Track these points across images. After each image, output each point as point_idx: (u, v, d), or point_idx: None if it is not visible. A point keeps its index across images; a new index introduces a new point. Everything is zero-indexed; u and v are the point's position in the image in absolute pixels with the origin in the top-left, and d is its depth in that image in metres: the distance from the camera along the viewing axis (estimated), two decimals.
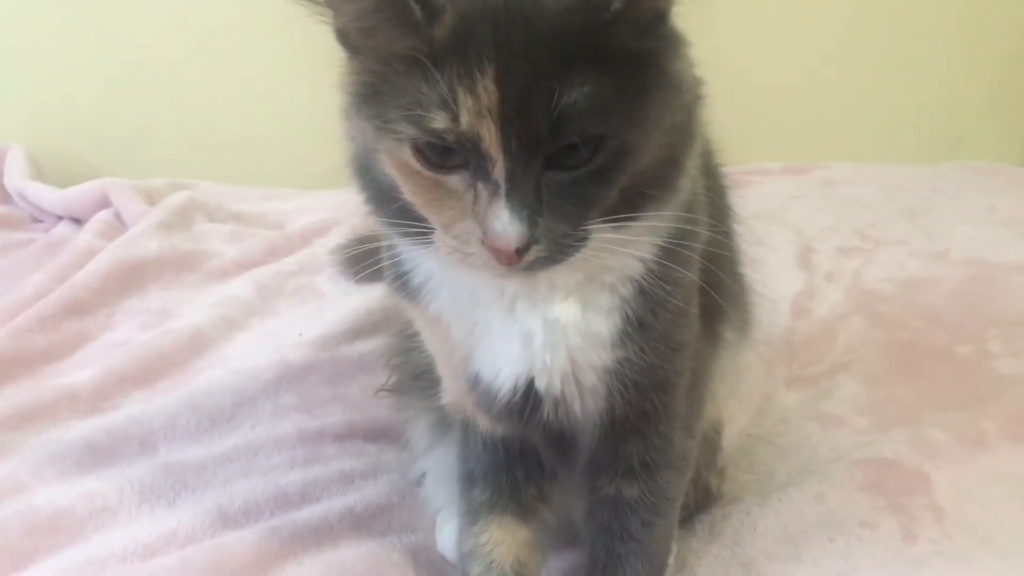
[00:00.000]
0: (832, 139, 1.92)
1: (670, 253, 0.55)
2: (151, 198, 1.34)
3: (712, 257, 0.60)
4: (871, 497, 0.74)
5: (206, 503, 0.74)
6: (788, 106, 1.81)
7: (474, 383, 0.60)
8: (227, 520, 0.72)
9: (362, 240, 0.90)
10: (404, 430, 0.76)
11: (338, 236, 1.23)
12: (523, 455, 0.65)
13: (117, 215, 1.30)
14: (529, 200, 0.47)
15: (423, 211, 0.50)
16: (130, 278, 1.11)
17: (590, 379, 0.58)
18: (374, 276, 0.80)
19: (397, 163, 0.49)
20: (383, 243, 0.62)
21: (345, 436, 0.84)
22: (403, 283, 0.59)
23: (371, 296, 1.05)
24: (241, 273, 1.16)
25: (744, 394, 0.96)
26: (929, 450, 0.79)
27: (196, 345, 0.98)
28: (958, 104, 2.08)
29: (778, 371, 0.96)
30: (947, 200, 1.53)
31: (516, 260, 0.48)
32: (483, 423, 0.63)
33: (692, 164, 0.54)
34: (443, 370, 0.63)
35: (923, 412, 0.85)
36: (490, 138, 0.46)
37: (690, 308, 0.59)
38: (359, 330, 1.01)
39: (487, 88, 0.45)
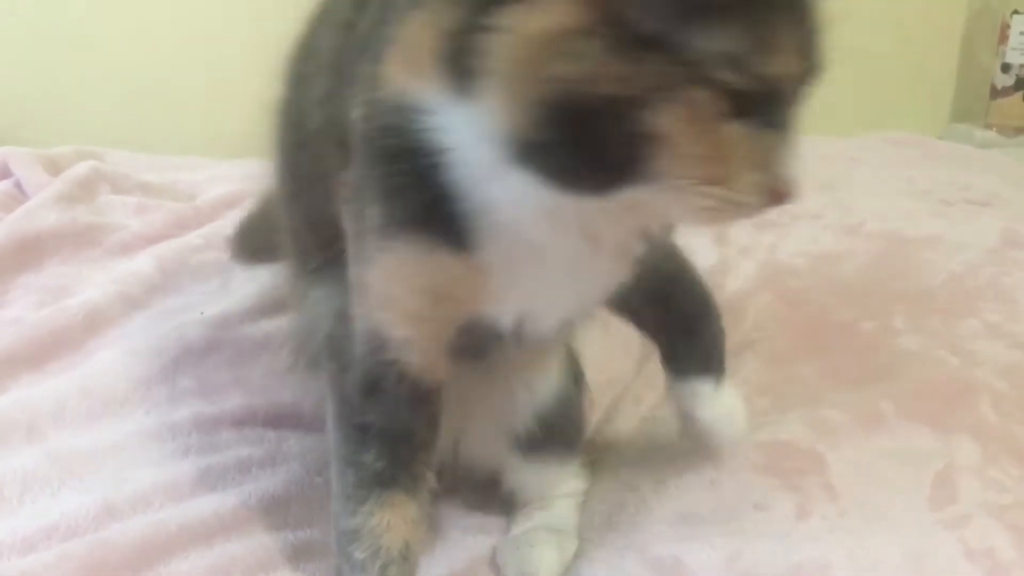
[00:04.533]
0: None
1: None
2: (55, 167, 1.29)
3: None
4: (766, 478, 0.75)
5: (92, 494, 0.71)
6: None
7: (471, 327, 0.56)
8: (113, 512, 0.69)
9: (264, 217, 0.88)
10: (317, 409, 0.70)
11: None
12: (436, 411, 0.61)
13: (18, 185, 1.25)
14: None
15: (697, 163, 0.46)
16: (26, 253, 1.07)
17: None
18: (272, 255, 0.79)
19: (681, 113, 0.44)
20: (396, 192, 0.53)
21: (244, 421, 0.82)
22: (445, 231, 0.51)
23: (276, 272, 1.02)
24: (145, 247, 1.12)
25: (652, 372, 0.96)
26: (825, 430, 0.80)
27: (92, 324, 0.95)
28: (880, 76, 2.10)
29: None
30: (866, 172, 1.55)
31: (790, 199, 0.49)
32: (436, 372, 0.58)
33: None
34: (409, 318, 0.56)
35: (823, 391, 0.86)
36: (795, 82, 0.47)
37: None
38: (263, 308, 0.99)
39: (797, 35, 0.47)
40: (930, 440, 0.79)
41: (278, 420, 0.83)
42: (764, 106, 0.47)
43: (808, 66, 0.47)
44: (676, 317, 0.69)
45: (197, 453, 0.78)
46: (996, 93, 2.20)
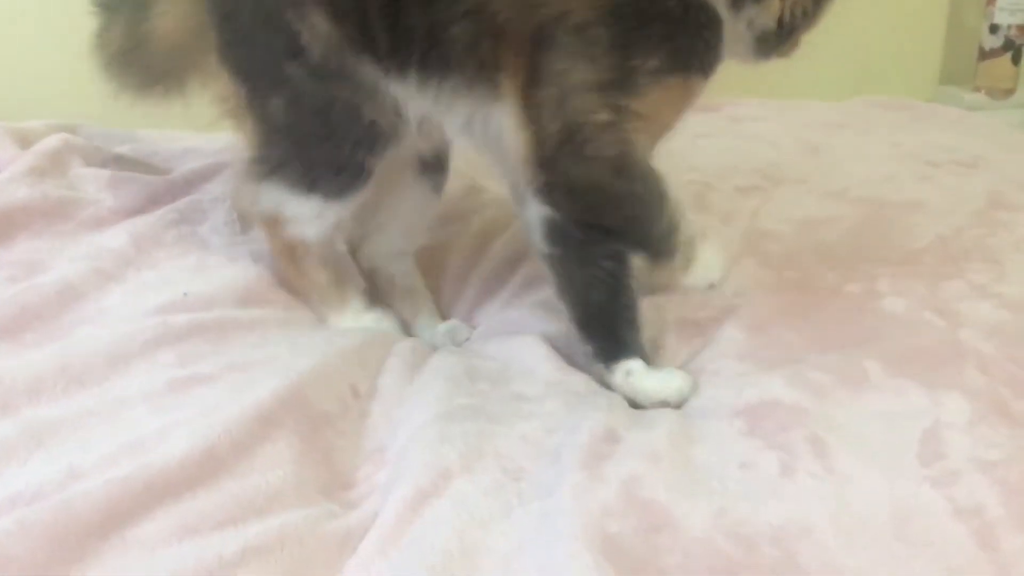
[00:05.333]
0: (743, 76, 1.91)
1: None
2: (26, 141, 1.26)
3: None
4: (750, 439, 0.74)
5: (59, 462, 0.68)
6: None
7: None
8: (78, 476, 0.66)
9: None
10: None
11: (226, 182, 1.18)
12: None
13: None
14: None
15: None
16: None
17: None
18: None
19: None
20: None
21: (216, 377, 0.80)
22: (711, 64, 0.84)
23: (260, 255, 1.01)
24: (119, 222, 1.10)
25: None
26: (809, 389, 0.79)
27: (65, 299, 0.92)
28: (868, 40, 2.08)
29: (668, 313, 0.95)
30: (852, 136, 1.54)
31: None
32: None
33: None
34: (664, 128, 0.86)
35: (807, 354, 0.85)
36: None
37: None
38: (249, 296, 0.96)
39: None
40: (917, 397, 0.79)
41: (250, 366, 0.82)
42: None
43: None
44: None
45: (168, 411, 0.75)
46: (984, 55, 2.18)
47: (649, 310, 0.93)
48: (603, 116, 0.79)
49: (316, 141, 0.90)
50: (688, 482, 0.69)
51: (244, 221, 1.10)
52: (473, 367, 0.87)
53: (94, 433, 0.72)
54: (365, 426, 0.80)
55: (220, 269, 1.01)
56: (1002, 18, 2.13)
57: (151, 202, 1.16)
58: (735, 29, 0.83)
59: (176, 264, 1.02)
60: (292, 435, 0.73)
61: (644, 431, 0.76)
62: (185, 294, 0.94)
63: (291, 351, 0.85)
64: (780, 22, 0.83)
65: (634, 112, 0.80)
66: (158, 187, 1.19)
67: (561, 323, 0.91)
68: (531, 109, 0.81)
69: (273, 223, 0.96)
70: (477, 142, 0.91)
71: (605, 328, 0.86)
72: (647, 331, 0.90)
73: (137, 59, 1.03)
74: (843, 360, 0.84)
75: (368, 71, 0.86)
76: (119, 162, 1.27)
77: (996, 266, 1.03)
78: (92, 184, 1.18)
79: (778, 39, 0.85)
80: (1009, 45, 2.15)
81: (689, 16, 0.79)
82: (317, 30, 0.85)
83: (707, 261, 0.96)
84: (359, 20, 0.84)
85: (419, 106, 0.88)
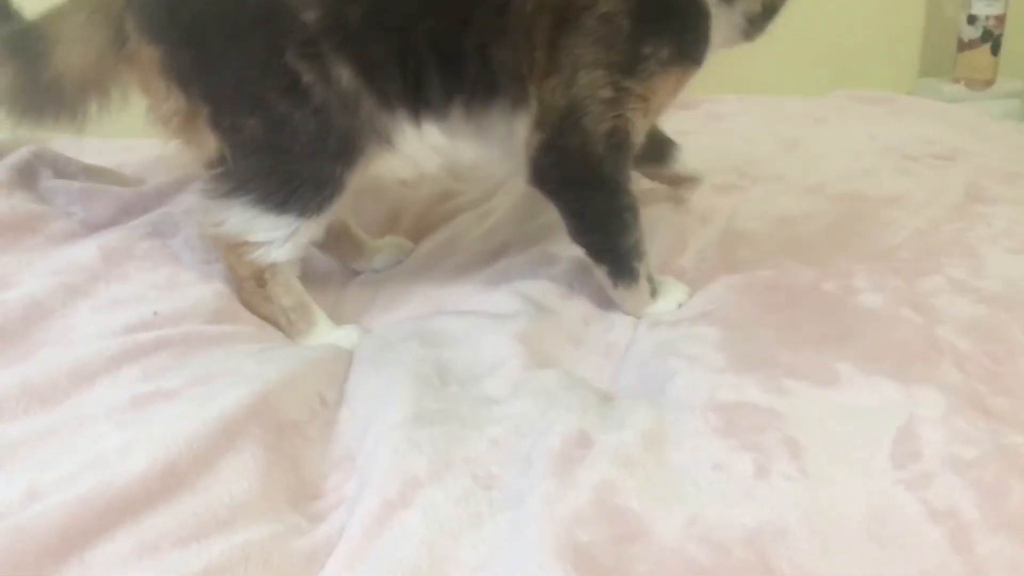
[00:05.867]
0: (723, 72, 1.90)
1: None
2: None
3: None
4: (725, 438, 0.73)
5: (18, 483, 0.67)
6: None
7: None
8: (37, 497, 0.65)
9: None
10: None
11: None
12: None
13: None
14: None
15: None
16: None
17: None
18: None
19: None
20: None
21: (181, 391, 0.79)
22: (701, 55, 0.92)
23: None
24: (89, 235, 1.08)
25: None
26: (783, 390, 0.78)
27: (31, 316, 0.90)
28: (847, 33, 2.08)
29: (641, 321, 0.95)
30: (830, 131, 1.54)
31: None
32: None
33: None
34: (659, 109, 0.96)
35: (782, 352, 0.84)
36: None
37: None
38: (220, 313, 0.95)
39: None
40: (892, 394, 0.78)
41: (215, 377, 0.80)
42: None
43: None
44: None
45: (130, 426, 0.73)
46: (963, 46, 2.18)
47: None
48: (606, 92, 0.87)
49: (296, 160, 0.89)
50: (662, 487, 0.68)
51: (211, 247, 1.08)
52: (442, 365, 0.86)
53: (54, 452, 0.71)
54: (334, 432, 0.80)
55: (191, 286, 0.99)
56: (980, 8, 2.13)
57: (123, 214, 1.15)
58: (725, 20, 0.92)
59: (146, 279, 1.00)
60: (257, 445, 0.72)
61: (617, 431, 0.74)
62: (155, 313, 0.92)
63: (258, 362, 0.84)
64: (763, 4, 0.93)
65: (635, 94, 0.88)
66: (130, 199, 1.17)
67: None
68: (544, 94, 0.89)
69: (239, 248, 0.94)
70: (486, 144, 0.99)
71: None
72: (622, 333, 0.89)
73: (34, 97, 0.98)
74: (817, 357, 0.83)
75: (383, 115, 0.90)
76: (90, 174, 1.26)
77: (974, 260, 1.02)
78: (62, 197, 1.16)
79: (763, 20, 0.95)
80: (988, 35, 2.15)
81: (690, 11, 0.89)
82: (334, 80, 0.86)
83: (671, 287, 1.00)
84: (399, 76, 0.88)
85: (439, 132, 0.96)
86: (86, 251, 1.03)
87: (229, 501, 0.66)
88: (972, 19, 2.14)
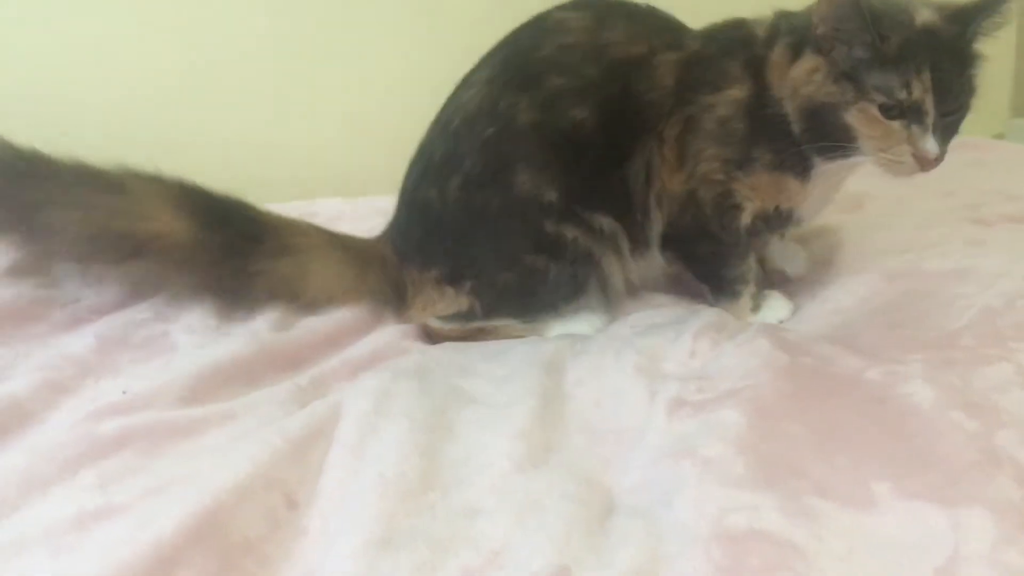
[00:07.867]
0: None
1: None
2: None
3: None
4: None
5: None
6: None
7: (787, 217, 1.08)
8: None
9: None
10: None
11: None
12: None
13: None
14: (940, 136, 0.92)
15: (868, 141, 0.94)
16: None
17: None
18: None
19: (863, 114, 0.93)
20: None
21: (128, 506, 0.72)
22: (802, 172, 1.03)
23: (230, 347, 0.95)
24: (94, 321, 1.05)
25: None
26: (806, 516, 0.67)
27: (10, 419, 0.86)
28: None
29: (660, 396, 0.86)
30: (900, 184, 1.39)
31: (933, 166, 0.94)
32: (757, 245, 1.16)
33: None
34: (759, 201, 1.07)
35: (810, 458, 0.73)
36: (927, 104, 0.91)
37: None
38: (194, 392, 0.89)
39: (925, 80, 0.91)
40: (934, 522, 0.66)
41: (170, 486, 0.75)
42: (912, 114, 0.92)
43: (940, 96, 0.92)
44: None
45: (66, 554, 0.67)
46: None
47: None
48: (718, 176, 1.05)
49: (545, 291, 1.09)
50: None
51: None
52: (429, 460, 0.79)
53: None
54: (297, 547, 0.72)
55: (170, 364, 0.95)
56: None
57: (132, 294, 1.11)
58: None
59: (138, 370, 0.96)
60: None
61: (603, 569, 0.65)
62: (124, 392, 0.88)
63: (216, 463, 0.77)
64: None
65: (741, 182, 1.05)
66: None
67: None
68: (672, 186, 1.08)
69: None
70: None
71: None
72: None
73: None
74: (852, 472, 0.71)
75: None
76: None
77: None
78: (75, 279, 1.13)
79: None
80: None
81: (790, 129, 1.01)
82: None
83: (774, 303, 1.13)
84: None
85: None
86: (83, 341, 1.00)
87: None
88: None
